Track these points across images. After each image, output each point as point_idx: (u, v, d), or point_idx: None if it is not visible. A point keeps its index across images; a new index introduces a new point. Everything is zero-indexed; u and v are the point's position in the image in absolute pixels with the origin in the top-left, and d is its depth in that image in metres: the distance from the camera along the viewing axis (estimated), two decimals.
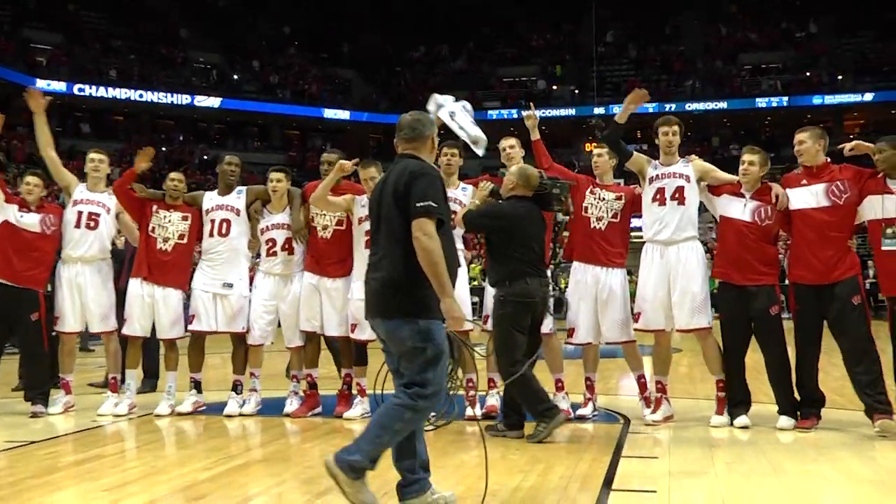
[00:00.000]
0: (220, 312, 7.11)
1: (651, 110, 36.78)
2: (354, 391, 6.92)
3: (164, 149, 37.62)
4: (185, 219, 7.21)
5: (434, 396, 3.95)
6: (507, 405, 6.11)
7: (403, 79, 44.18)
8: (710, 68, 40.70)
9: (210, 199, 7.25)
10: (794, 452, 5.41)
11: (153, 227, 7.15)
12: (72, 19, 37.43)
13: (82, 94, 34.93)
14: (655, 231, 6.41)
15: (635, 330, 6.60)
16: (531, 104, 7.15)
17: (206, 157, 37.53)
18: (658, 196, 6.41)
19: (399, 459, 4.06)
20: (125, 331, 7.21)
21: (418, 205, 3.87)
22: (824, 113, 37.84)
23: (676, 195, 6.36)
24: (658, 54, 42.18)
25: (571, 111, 39.03)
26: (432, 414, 4.47)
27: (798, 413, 6.12)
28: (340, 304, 6.85)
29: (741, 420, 6.16)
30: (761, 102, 38.14)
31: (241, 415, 6.96)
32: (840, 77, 38.18)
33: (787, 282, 6.32)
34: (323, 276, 6.90)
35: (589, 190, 6.67)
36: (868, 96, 36.67)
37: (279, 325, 7.17)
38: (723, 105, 37.86)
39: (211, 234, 7.15)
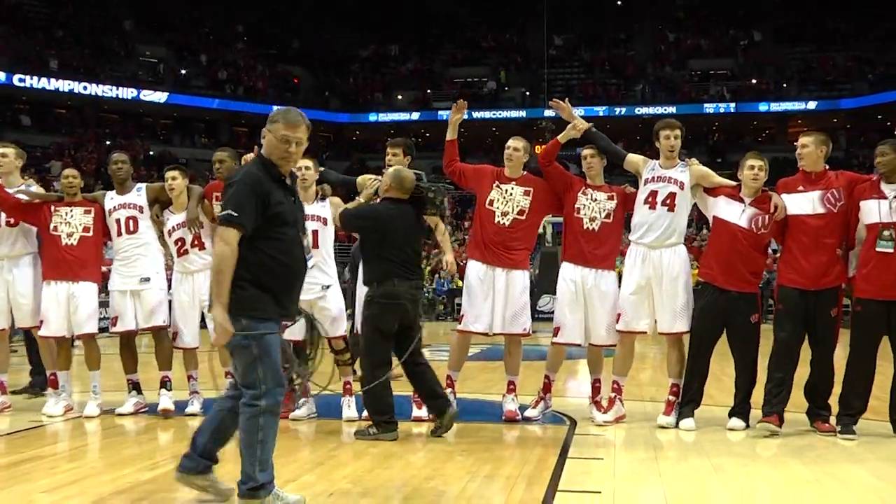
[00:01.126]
0: (138, 309, 7.02)
1: (601, 114, 37.29)
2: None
3: (108, 143, 37.01)
4: (87, 212, 7.07)
5: (271, 393, 4.02)
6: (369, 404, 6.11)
7: (353, 77, 44.05)
8: (660, 73, 41.32)
9: (111, 198, 7.14)
10: (736, 454, 5.54)
11: (55, 226, 6.98)
12: (12, 6, 36.52)
13: (22, 84, 34.15)
14: (642, 234, 6.46)
15: (617, 330, 6.58)
16: (461, 100, 7.15)
17: (151, 153, 36.99)
18: (650, 199, 6.45)
19: (201, 432, 4.30)
20: (42, 332, 7.03)
21: (221, 213, 4.04)
22: (770, 120, 38.75)
23: (668, 201, 6.39)
24: (609, 58, 42.67)
25: (522, 113, 39.31)
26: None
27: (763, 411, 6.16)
28: None
29: (687, 423, 6.28)
30: (709, 108, 38.87)
31: (188, 414, 6.85)
32: (785, 85, 39.06)
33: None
34: None
35: (581, 191, 6.65)
36: (812, 104, 37.58)
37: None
38: (672, 110, 38.40)
39: (119, 234, 7.06)
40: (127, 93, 36.44)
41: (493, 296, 6.61)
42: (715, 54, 41.57)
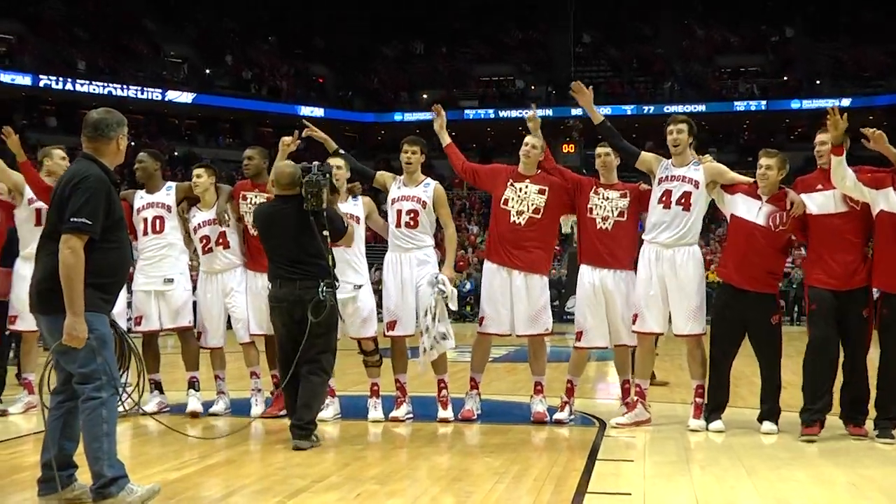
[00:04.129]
0: (163, 309, 7.08)
1: (629, 112, 37.13)
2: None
3: (132, 144, 37.31)
4: None
5: (110, 382, 4.14)
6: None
7: (378, 76, 44.17)
8: (688, 70, 41.06)
9: (140, 197, 7.19)
10: (769, 456, 5.50)
11: None
12: (33, 8, 36.92)
13: (48, 86, 34.55)
14: (656, 233, 6.42)
15: (633, 331, 6.55)
16: (436, 104, 7.16)
17: (176, 154, 37.29)
18: (664, 198, 6.41)
19: (47, 450, 4.20)
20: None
21: (72, 220, 4.04)
22: (802, 117, 38.30)
23: (682, 200, 6.36)
24: (636, 56, 42.47)
25: (548, 112, 39.19)
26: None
27: (804, 419, 6.10)
28: None
29: (716, 425, 6.24)
30: (739, 106, 38.54)
31: (211, 414, 6.94)
32: (818, 82, 38.66)
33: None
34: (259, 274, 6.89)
35: (593, 190, 6.64)
36: (846, 101, 37.12)
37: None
38: (701, 108, 38.18)
39: (145, 233, 7.11)
40: (153, 94, 36.74)
41: (511, 297, 6.63)
42: (744, 50, 41.23)
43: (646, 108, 38.36)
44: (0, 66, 33.24)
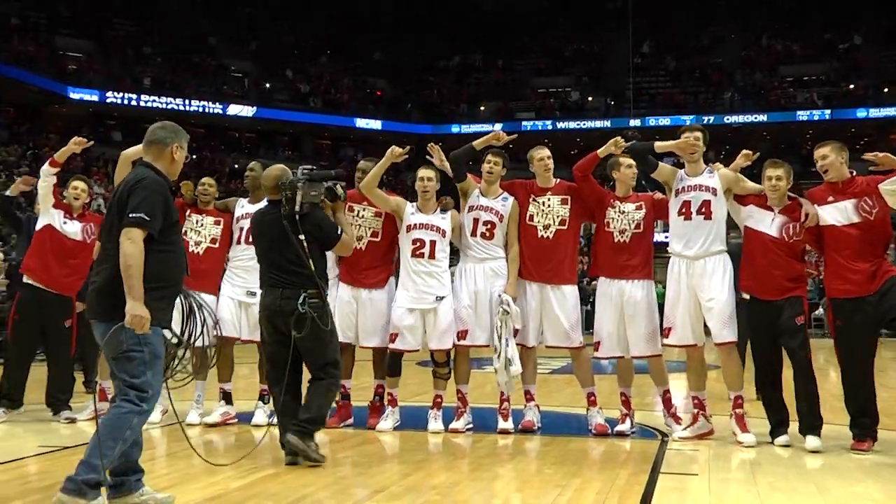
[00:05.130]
0: (244, 320, 7.12)
1: (688, 123, 36.65)
2: (386, 402, 6.93)
3: (193, 157, 38.04)
4: (217, 223, 7.25)
5: (154, 398, 4.23)
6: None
7: (436, 88, 44.37)
8: (749, 80, 40.46)
9: (241, 206, 7.29)
10: (840, 473, 5.33)
11: (185, 231, 7.14)
12: (102, 26, 37.96)
13: (115, 102, 35.43)
14: (682, 247, 6.37)
15: (666, 345, 6.57)
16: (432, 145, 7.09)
17: (236, 167, 37.90)
18: (684, 210, 6.37)
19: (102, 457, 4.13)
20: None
21: (131, 216, 4.16)
22: (868, 127, 37.42)
23: (703, 209, 6.32)
24: (696, 66, 41.99)
25: (606, 123, 38.96)
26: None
27: (853, 433, 5.99)
28: (377, 315, 6.87)
29: (782, 439, 6.10)
30: (802, 115, 37.79)
31: (269, 425, 6.97)
32: (886, 90, 37.73)
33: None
34: (359, 287, 6.91)
35: (610, 203, 6.66)
36: None
37: None
38: (762, 118, 37.58)
39: (238, 242, 7.19)
40: (214, 108, 37.42)
41: (544, 312, 6.69)
42: (808, 59, 40.47)
43: (705, 118, 37.86)
44: (69, 84, 34.06)
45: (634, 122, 37.34)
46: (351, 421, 7.01)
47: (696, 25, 42.96)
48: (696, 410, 6.45)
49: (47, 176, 7.32)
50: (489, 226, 6.75)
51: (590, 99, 41.53)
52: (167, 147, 4.47)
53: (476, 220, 6.78)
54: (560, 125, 38.67)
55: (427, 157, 7.01)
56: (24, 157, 28.03)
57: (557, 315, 6.65)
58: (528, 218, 6.76)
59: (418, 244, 6.75)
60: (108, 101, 35.13)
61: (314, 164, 6.95)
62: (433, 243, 6.72)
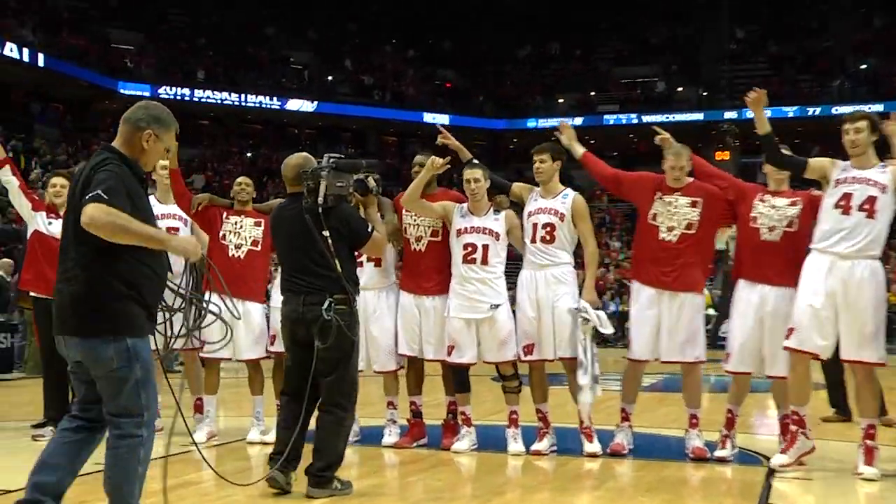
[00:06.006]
0: None
1: (791, 115, 35.96)
2: (460, 421, 6.92)
3: (248, 155, 38.73)
4: (258, 224, 7.21)
5: (153, 419, 3.98)
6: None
7: (510, 79, 44.37)
8: (861, 66, 39.45)
9: None
10: None
11: (223, 234, 7.18)
12: (154, 18, 38.87)
13: (167, 97, 36.23)
14: (831, 241, 6.04)
15: (785, 348, 6.20)
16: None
17: None
18: (842, 202, 6.06)
19: (37, 473, 3.96)
20: (204, 353, 7.22)
21: (89, 195, 3.79)
22: None
23: (866, 206, 5.99)
24: (800, 51, 41.16)
25: (699, 115, 38.45)
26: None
27: None
28: (440, 325, 6.89)
29: None
30: None
31: (387, 445, 6.95)
32: None
33: None
34: (421, 294, 6.94)
35: (758, 198, 6.45)
36: None
37: None
38: (878, 107, 36.61)
39: None
40: (272, 103, 37.99)
41: (661, 321, 6.51)
42: None
43: (810, 109, 37.04)
44: (120, 78, 34.95)
45: (730, 115, 36.75)
46: (424, 441, 7.03)
47: (801, 6, 42.09)
48: (794, 428, 6.21)
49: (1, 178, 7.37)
50: (548, 228, 6.66)
51: (679, 89, 41.03)
52: (139, 132, 4.06)
53: (535, 225, 6.70)
54: (646, 118, 38.30)
55: (441, 145, 6.99)
56: (73, 157, 28.80)
57: (676, 325, 6.47)
58: (650, 216, 6.62)
59: (469, 249, 6.71)
60: (160, 96, 35.94)
61: (379, 161, 6.95)
62: (486, 248, 6.68)
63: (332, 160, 5.34)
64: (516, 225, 6.87)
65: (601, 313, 6.52)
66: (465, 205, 6.84)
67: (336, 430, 5.31)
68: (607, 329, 6.50)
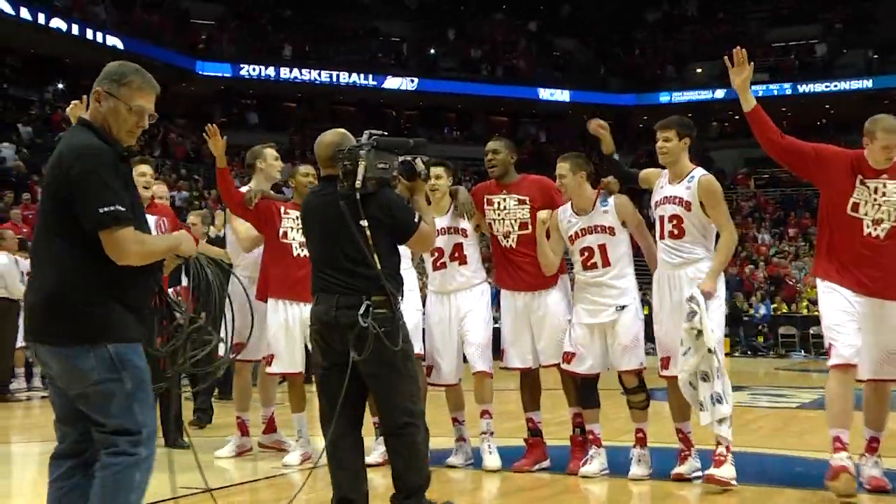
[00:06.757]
0: None
1: None
2: (588, 439, 6.86)
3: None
4: None
5: (152, 437, 3.78)
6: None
7: (638, 48, 43.89)
8: None
9: None
10: None
11: (284, 232, 7.29)
12: None
13: (250, 76, 36.97)
14: None
15: None
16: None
17: None
18: None
19: None
20: (272, 369, 7.43)
21: (101, 211, 3.61)
22: None
23: None
24: None
25: (867, 83, 37.34)
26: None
27: None
28: (554, 324, 6.92)
29: None
30: None
31: (451, 466, 7.06)
32: None
33: None
34: (525, 290, 6.98)
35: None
36: None
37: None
38: None
39: None
40: (368, 82, 38.41)
41: (866, 329, 6.04)
42: None
43: None
44: (199, 57, 35.80)
45: None
46: (547, 463, 7.02)
47: None
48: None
49: None
50: (675, 221, 6.43)
51: (844, 52, 39.85)
52: (126, 87, 3.87)
53: (661, 218, 6.51)
54: (802, 88, 37.34)
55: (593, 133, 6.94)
56: (149, 146, 29.65)
57: (880, 334, 6.08)
58: (850, 207, 6.07)
59: (587, 255, 6.72)
60: (242, 75, 36.68)
61: (428, 140, 6.91)
62: (602, 247, 6.65)
63: (373, 137, 5.11)
64: (632, 213, 6.78)
65: (716, 313, 6.25)
66: (567, 205, 6.86)
67: (411, 449, 5.05)
68: (710, 340, 6.06)
